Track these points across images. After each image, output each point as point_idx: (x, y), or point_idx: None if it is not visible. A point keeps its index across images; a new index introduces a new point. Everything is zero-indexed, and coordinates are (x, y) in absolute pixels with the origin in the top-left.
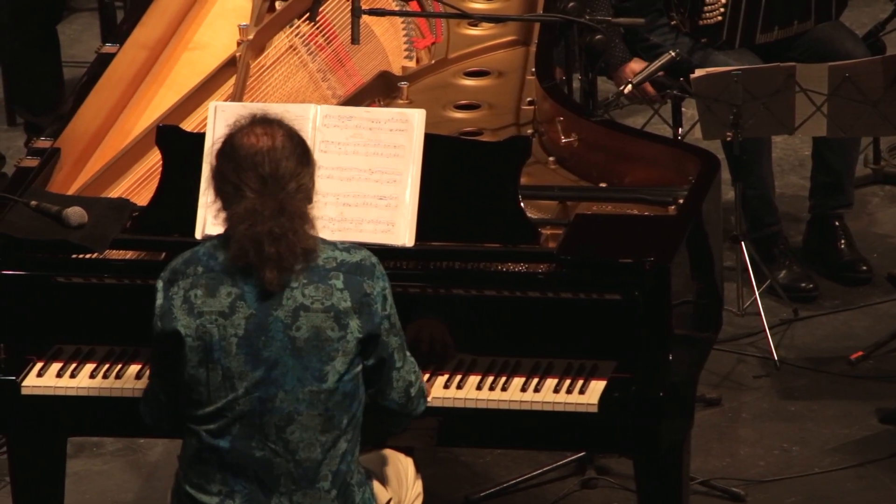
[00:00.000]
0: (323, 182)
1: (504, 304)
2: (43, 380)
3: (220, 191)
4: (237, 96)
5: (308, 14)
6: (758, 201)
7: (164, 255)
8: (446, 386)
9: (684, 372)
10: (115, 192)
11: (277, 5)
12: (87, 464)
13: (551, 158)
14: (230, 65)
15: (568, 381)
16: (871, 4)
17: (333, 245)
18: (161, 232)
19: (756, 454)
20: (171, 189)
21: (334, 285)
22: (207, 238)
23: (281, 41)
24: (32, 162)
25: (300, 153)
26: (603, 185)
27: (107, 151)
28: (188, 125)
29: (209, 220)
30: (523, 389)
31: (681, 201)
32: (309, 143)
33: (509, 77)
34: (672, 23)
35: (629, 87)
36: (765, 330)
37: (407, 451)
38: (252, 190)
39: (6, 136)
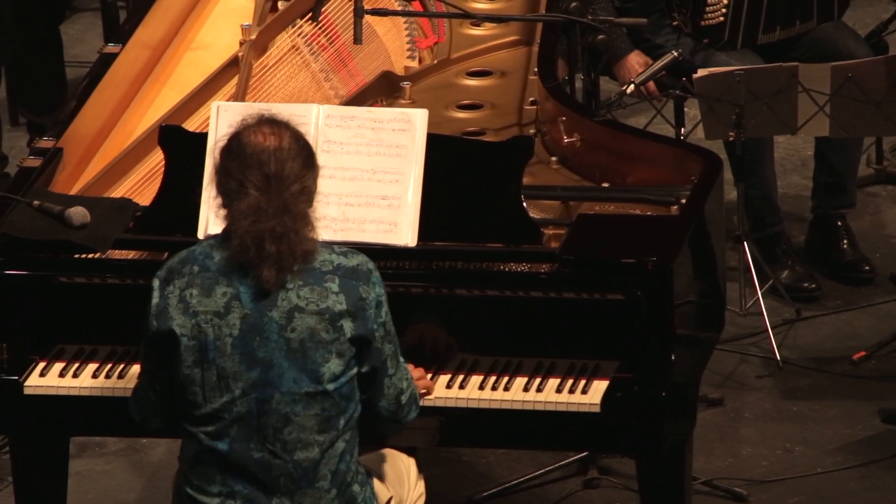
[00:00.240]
0: (325, 182)
1: (506, 304)
2: (45, 380)
3: (223, 187)
4: (239, 96)
5: (310, 14)
6: (760, 201)
7: (166, 254)
8: (449, 386)
9: (687, 372)
10: (117, 192)
11: (280, 5)
12: (90, 464)
13: (554, 158)
14: (233, 65)
15: (570, 381)
16: (874, 4)
17: (330, 248)
18: (163, 232)
19: (758, 454)
20: (174, 189)
21: (330, 288)
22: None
23: (283, 41)
24: (35, 162)
25: (306, 156)
26: (605, 185)
27: (109, 151)
28: (191, 125)
29: (212, 220)
30: (526, 389)
31: (683, 201)
32: (311, 143)
33: (512, 77)
34: (674, 23)
35: (631, 87)
36: (767, 330)
37: (409, 452)
38: (256, 188)
39: (9, 135)
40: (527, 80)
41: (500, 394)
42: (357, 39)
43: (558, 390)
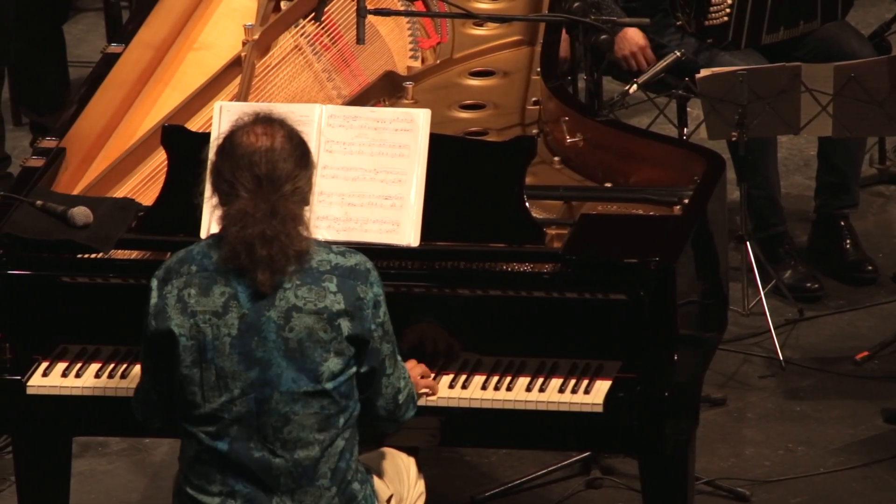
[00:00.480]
0: (328, 182)
1: (509, 303)
2: (48, 379)
3: (217, 188)
4: (242, 96)
5: (313, 14)
6: (763, 201)
7: (168, 254)
8: (451, 386)
9: (689, 372)
10: (120, 192)
11: (283, 5)
12: (93, 463)
13: (556, 158)
14: (235, 65)
15: (573, 381)
16: (877, 4)
17: (328, 248)
18: (166, 232)
19: (761, 454)
20: (177, 189)
21: (327, 288)
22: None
23: (286, 41)
24: (38, 162)
25: (299, 155)
26: (608, 184)
27: (112, 151)
28: (193, 125)
29: (214, 220)
30: (528, 389)
31: (686, 201)
32: (314, 143)
33: (514, 77)
34: (678, 23)
35: (634, 87)
36: (770, 330)
37: (410, 451)
38: (246, 190)
39: (12, 135)
40: (529, 80)
41: (502, 394)
42: (360, 39)
43: (561, 390)
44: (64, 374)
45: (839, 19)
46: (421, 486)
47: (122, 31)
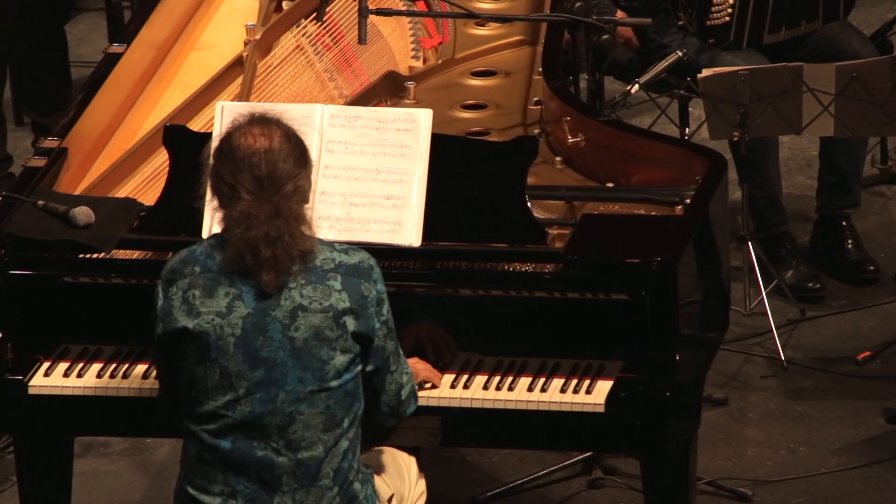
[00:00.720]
0: (330, 182)
1: (511, 304)
2: (50, 379)
3: (217, 190)
4: (244, 96)
5: (315, 14)
6: (765, 201)
7: (170, 254)
8: (453, 386)
9: (691, 372)
10: (122, 192)
11: (284, 5)
12: (94, 463)
13: (558, 158)
14: (237, 65)
15: (574, 381)
16: (879, 4)
17: (332, 246)
18: (168, 232)
19: (763, 454)
20: (178, 189)
21: (332, 286)
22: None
23: (288, 41)
24: (40, 162)
25: (297, 154)
26: (610, 184)
27: (114, 151)
28: (195, 125)
29: (216, 220)
30: (530, 389)
31: (688, 201)
32: (315, 143)
33: (516, 77)
34: (679, 23)
35: (636, 87)
36: (772, 330)
37: (412, 451)
38: (248, 191)
39: (14, 135)
40: (531, 80)
41: (504, 394)
42: (361, 39)
43: (562, 390)
44: (65, 374)
45: (841, 19)
46: (422, 485)
47: (123, 31)
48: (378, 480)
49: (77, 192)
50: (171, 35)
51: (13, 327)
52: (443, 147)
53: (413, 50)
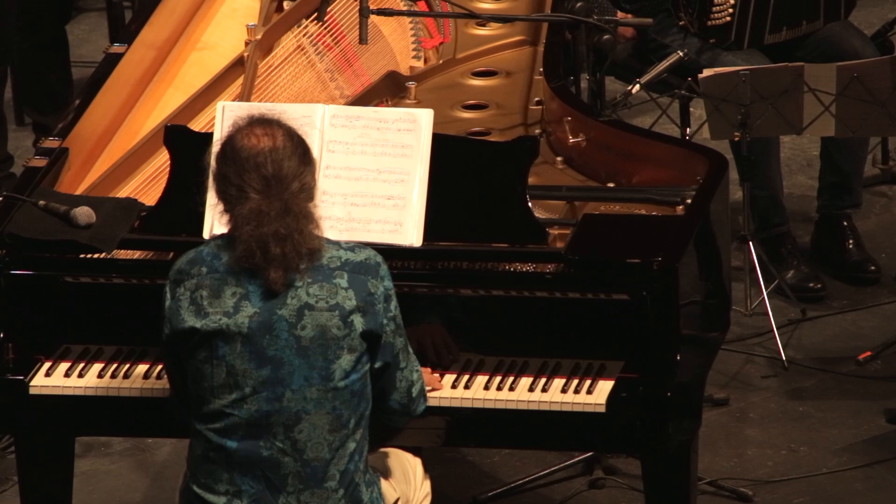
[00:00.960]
0: (331, 182)
1: (512, 304)
2: (51, 380)
3: (223, 193)
4: (245, 96)
5: (316, 14)
6: (766, 201)
7: (171, 254)
8: (454, 386)
9: (692, 372)
10: (123, 192)
11: (285, 5)
12: (95, 463)
13: (559, 158)
14: (238, 65)
15: (576, 381)
16: (880, 4)
17: (338, 244)
18: (169, 232)
19: (764, 454)
20: (179, 189)
21: (339, 284)
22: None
23: (289, 41)
24: (41, 162)
25: (301, 152)
26: (611, 185)
27: (115, 151)
28: (196, 125)
29: (217, 220)
30: (531, 389)
31: (689, 201)
32: (316, 143)
33: (517, 77)
34: (680, 23)
35: (636, 87)
36: (773, 330)
37: (415, 451)
38: (256, 191)
39: (15, 135)
40: (532, 80)
41: (505, 394)
42: (362, 39)
43: (563, 390)
44: (66, 375)
45: (842, 19)
46: (427, 486)
47: (124, 32)
48: (384, 484)
49: (78, 192)
50: (172, 35)
51: (14, 327)
52: (444, 147)
53: (414, 50)
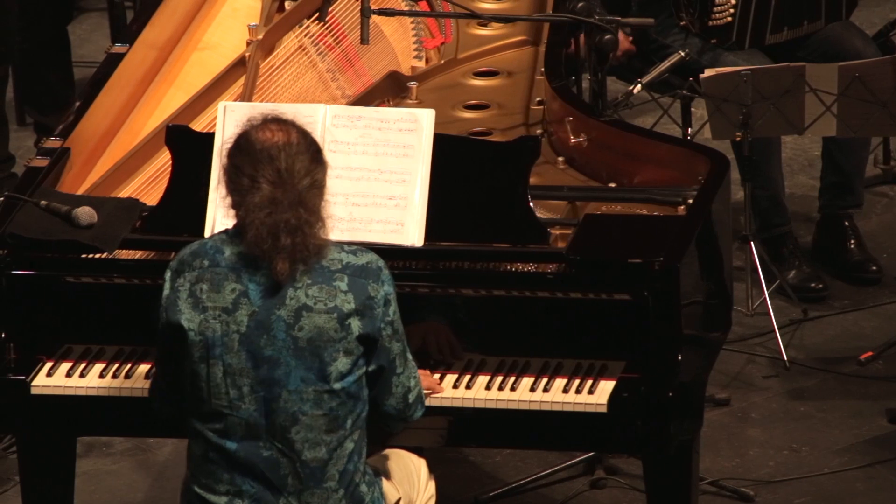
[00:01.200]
0: (332, 182)
1: (513, 304)
2: (52, 380)
3: (235, 184)
4: (247, 96)
5: (317, 14)
6: (767, 201)
7: (173, 255)
8: (455, 386)
9: (693, 372)
10: (124, 192)
11: (287, 5)
12: (97, 463)
13: (560, 158)
14: (240, 65)
15: (577, 382)
16: (882, 4)
17: (340, 247)
18: (170, 232)
19: (765, 454)
20: (181, 189)
21: (338, 287)
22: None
23: (290, 41)
24: (42, 162)
25: (314, 151)
26: (612, 185)
27: (116, 151)
28: (198, 125)
29: (219, 220)
30: (532, 389)
31: (690, 201)
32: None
33: (518, 77)
34: (682, 23)
35: (638, 87)
36: (774, 330)
37: (417, 452)
38: (269, 182)
39: (16, 135)
40: (533, 80)
41: (506, 394)
42: (364, 39)
43: (565, 390)
44: (68, 375)
45: (843, 19)
46: (432, 487)
47: (126, 32)
48: (385, 484)
49: (79, 192)
50: (174, 35)
51: (16, 327)
52: (445, 147)
53: (415, 50)
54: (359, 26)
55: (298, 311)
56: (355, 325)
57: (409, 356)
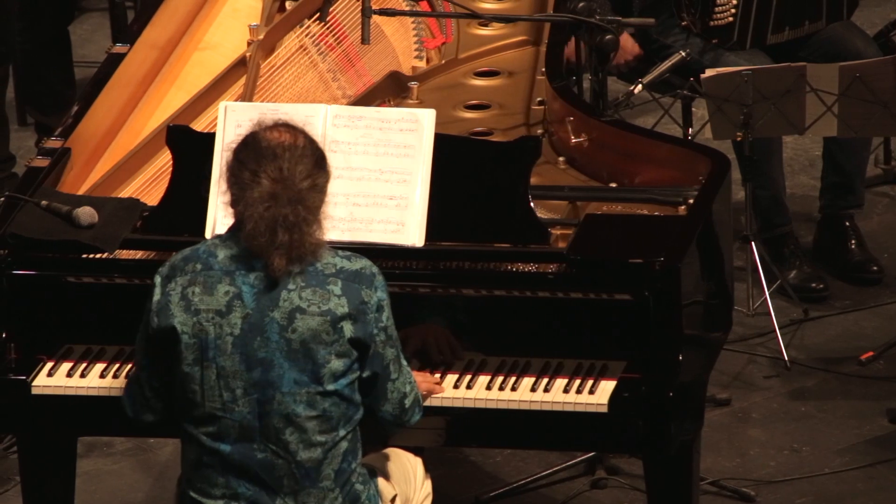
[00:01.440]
0: (333, 182)
1: (514, 304)
2: (53, 380)
3: (237, 178)
4: (247, 96)
5: (318, 14)
6: (768, 201)
7: (173, 255)
8: (456, 386)
9: (694, 372)
10: (125, 192)
11: (288, 5)
12: (98, 463)
13: (561, 158)
14: (240, 65)
15: (578, 382)
16: (882, 4)
17: (335, 252)
18: (171, 232)
19: (766, 454)
20: (182, 189)
21: (332, 291)
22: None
23: (291, 41)
24: (43, 162)
25: (318, 157)
26: (613, 185)
27: (117, 151)
28: (198, 125)
29: (219, 220)
30: (533, 389)
31: (691, 201)
32: (319, 143)
33: (519, 77)
34: (683, 23)
35: (639, 87)
36: (775, 330)
37: (416, 452)
38: (270, 178)
39: (17, 135)
40: (534, 80)
41: (507, 394)
42: (365, 39)
43: (566, 390)
44: (69, 375)
45: (844, 19)
46: (428, 486)
47: (127, 32)
48: (382, 482)
49: (80, 192)
50: (175, 35)
51: (16, 327)
52: (446, 147)
53: (416, 50)
54: (359, 26)
55: (292, 312)
56: (347, 328)
57: (404, 362)
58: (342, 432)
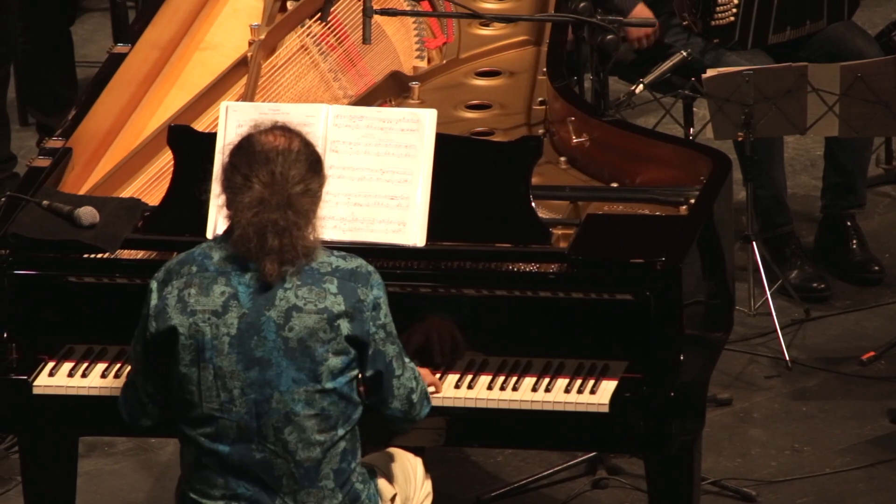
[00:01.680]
0: (334, 182)
1: (515, 304)
2: (54, 379)
3: (230, 182)
4: (248, 96)
5: (319, 14)
6: (769, 201)
7: (174, 254)
8: (457, 386)
9: (695, 372)
10: (126, 192)
11: (289, 5)
12: (99, 463)
13: (562, 158)
14: (242, 65)
15: (579, 382)
16: (884, 4)
17: (330, 251)
18: (172, 232)
19: (767, 454)
20: (183, 189)
21: (328, 289)
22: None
23: (292, 41)
24: (44, 162)
25: (313, 161)
26: (614, 185)
27: (118, 151)
28: (200, 125)
29: (220, 220)
30: (534, 389)
31: (692, 201)
32: (320, 143)
33: (520, 77)
34: (684, 23)
35: (640, 87)
36: (776, 330)
37: (417, 451)
38: (261, 183)
39: (18, 135)
40: (535, 80)
41: (508, 394)
42: (366, 39)
43: (567, 390)
44: (70, 374)
45: (845, 19)
46: (428, 486)
47: (128, 32)
48: (382, 482)
49: (81, 192)
50: (176, 35)
51: (18, 327)
52: (447, 147)
53: (417, 50)
54: (361, 26)
55: (288, 311)
56: (344, 326)
57: (406, 357)
58: (341, 431)
